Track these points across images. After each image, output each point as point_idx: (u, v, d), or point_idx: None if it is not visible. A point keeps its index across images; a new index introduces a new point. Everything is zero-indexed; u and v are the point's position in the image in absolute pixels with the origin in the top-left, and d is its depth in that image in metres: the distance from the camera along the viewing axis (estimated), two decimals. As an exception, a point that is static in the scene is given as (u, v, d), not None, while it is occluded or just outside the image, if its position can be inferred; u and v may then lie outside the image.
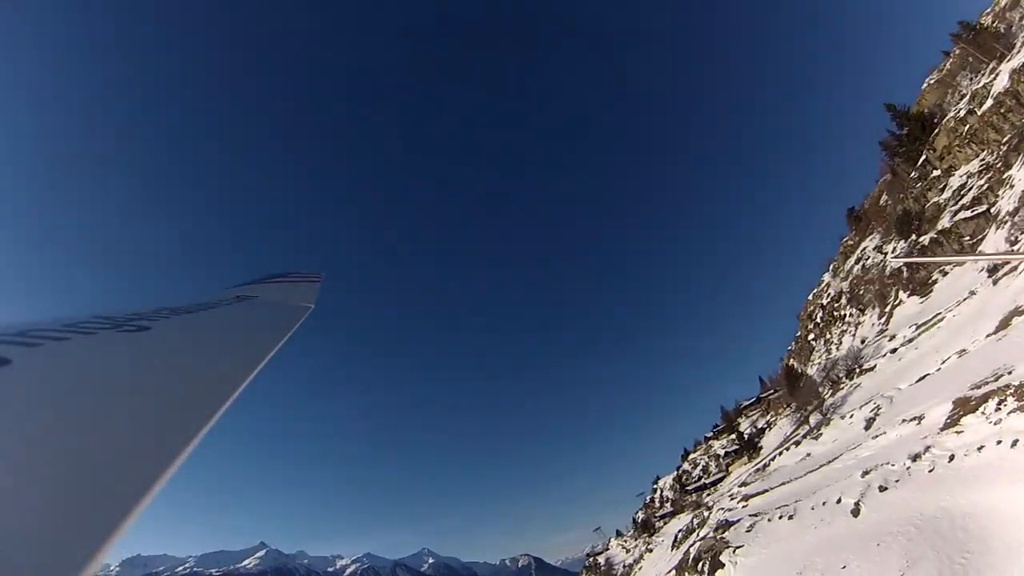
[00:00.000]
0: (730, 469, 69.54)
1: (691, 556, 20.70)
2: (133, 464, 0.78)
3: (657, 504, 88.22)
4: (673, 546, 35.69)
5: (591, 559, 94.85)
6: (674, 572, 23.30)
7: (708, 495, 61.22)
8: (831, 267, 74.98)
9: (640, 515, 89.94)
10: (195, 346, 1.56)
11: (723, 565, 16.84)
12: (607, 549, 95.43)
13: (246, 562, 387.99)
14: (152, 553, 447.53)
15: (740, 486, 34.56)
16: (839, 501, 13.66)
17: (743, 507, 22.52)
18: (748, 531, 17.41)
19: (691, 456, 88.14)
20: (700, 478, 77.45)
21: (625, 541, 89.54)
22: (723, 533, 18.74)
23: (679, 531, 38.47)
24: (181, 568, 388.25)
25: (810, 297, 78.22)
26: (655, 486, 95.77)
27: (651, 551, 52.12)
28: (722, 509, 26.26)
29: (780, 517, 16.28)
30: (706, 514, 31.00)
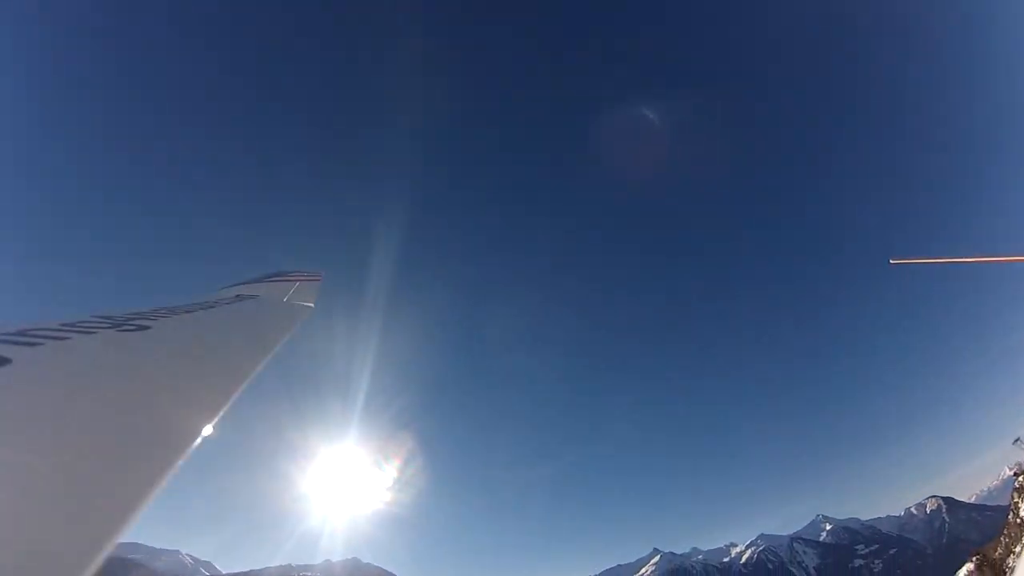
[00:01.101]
0: None
1: None
2: (133, 464, 0.79)
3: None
4: None
5: (1021, 478, 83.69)
6: None
7: None
8: None
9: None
10: (195, 346, 1.59)
11: None
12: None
13: (643, 571, 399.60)
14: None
15: None
16: None
17: None
18: None
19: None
20: None
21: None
22: None
23: None
24: None
25: None
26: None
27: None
28: None
29: None
30: None
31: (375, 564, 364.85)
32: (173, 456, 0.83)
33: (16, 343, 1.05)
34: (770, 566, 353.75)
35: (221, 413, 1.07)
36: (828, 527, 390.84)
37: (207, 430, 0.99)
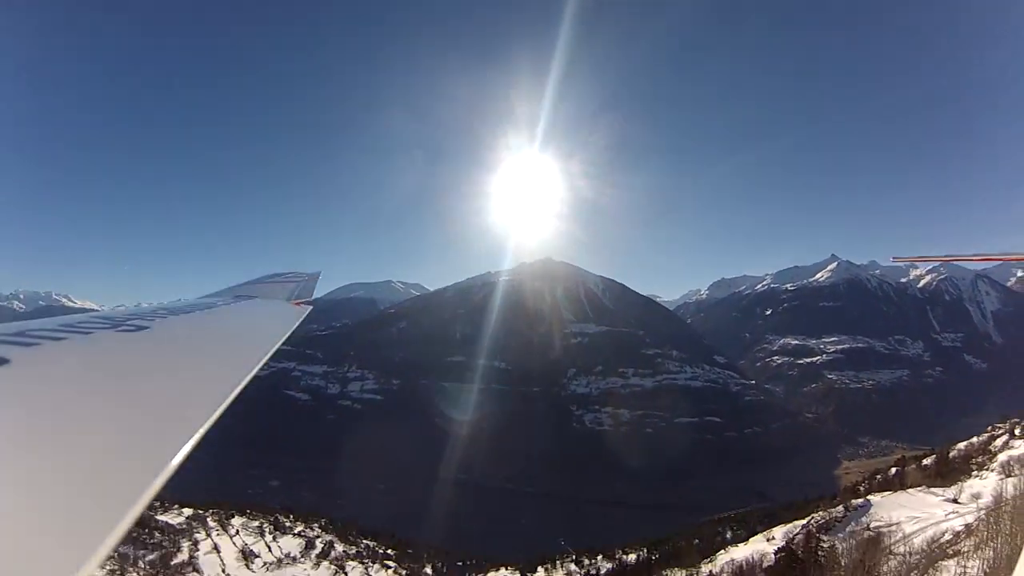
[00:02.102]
0: None
1: None
2: (132, 464, 0.80)
3: None
4: None
5: None
6: None
7: None
8: None
9: None
10: (194, 346, 1.59)
11: None
12: None
13: (818, 276, 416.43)
14: (733, 275, 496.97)
15: None
16: None
17: None
18: None
19: None
20: None
21: None
22: None
23: None
24: (760, 285, 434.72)
25: None
26: None
27: None
28: None
29: None
30: None
31: (566, 261, 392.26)
32: (171, 456, 0.85)
33: (15, 343, 1.07)
34: (947, 297, 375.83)
35: (218, 413, 1.09)
36: (1020, 274, 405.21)
37: (204, 430, 1.01)
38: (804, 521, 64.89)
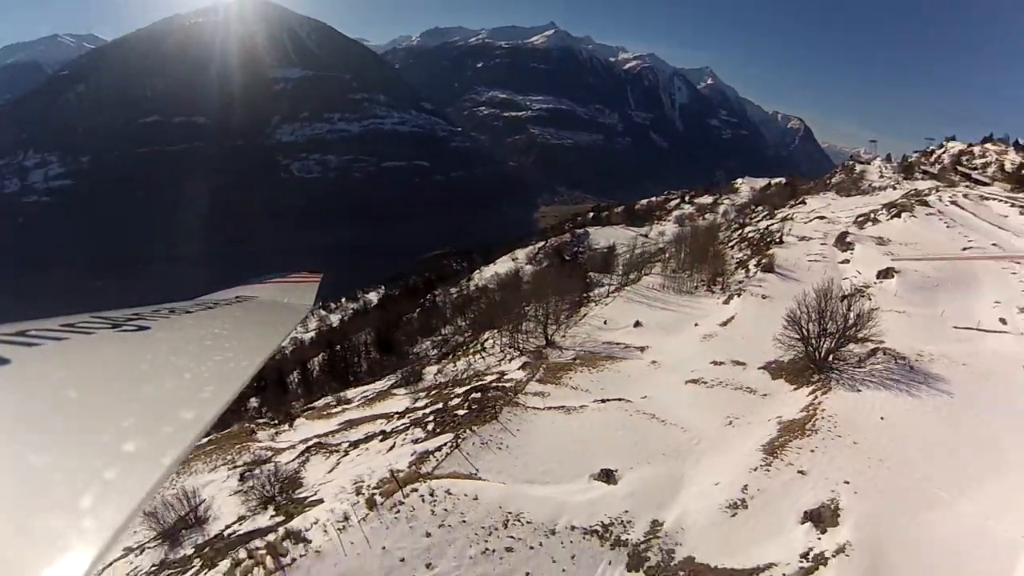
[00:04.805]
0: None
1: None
2: (133, 464, 0.79)
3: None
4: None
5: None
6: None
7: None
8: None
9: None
10: (195, 346, 1.58)
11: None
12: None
13: (534, 39, 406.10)
14: (448, 25, 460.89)
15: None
16: None
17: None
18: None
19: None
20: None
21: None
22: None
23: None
24: (475, 39, 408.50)
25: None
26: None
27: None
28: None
29: None
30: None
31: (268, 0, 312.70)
32: (172, 456, 0.84)
33: (16, 343, 1.06)
34: (646, 83, 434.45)
35: (220, 413, 1.08)
36: (710, 81, 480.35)
37: (204, 430, 1.00)
38: (541, 244, 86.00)
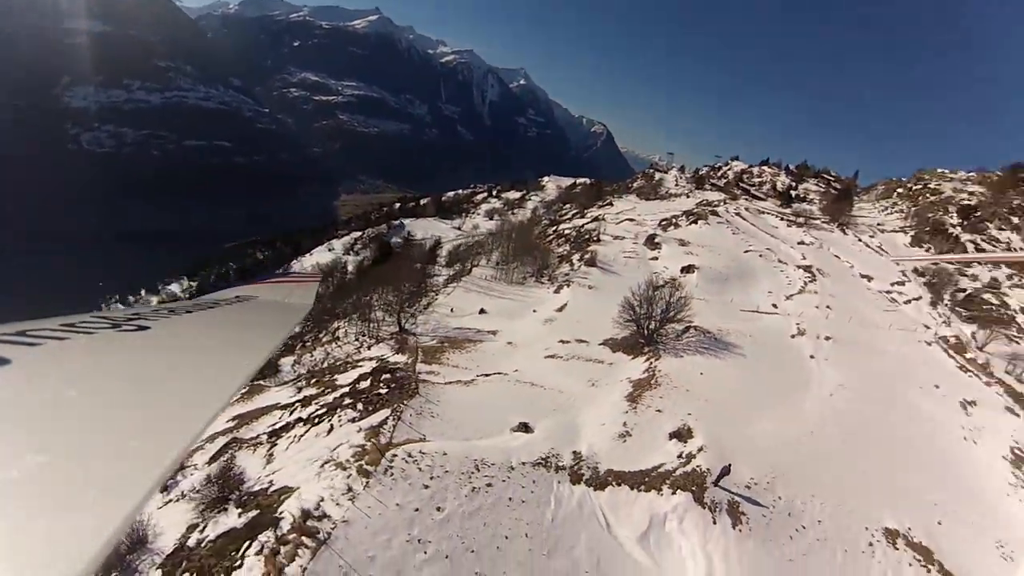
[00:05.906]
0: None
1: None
2: (133, 464, 0.79)
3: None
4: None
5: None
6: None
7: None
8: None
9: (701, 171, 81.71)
10: (195, 346, 1.59)
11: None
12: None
13: (356, 22, 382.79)
14: None
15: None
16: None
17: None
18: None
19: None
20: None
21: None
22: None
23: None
24: (296, 15, 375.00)
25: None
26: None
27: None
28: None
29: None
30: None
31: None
32: (172, 455, 0.84)
33: (16, 343, 1.06)
34: (460, 78, 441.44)
35: (219, 412, 1.08)
36: (523, 82, 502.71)
37: (204, 430, 1.00)
38: (358, 234, 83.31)
